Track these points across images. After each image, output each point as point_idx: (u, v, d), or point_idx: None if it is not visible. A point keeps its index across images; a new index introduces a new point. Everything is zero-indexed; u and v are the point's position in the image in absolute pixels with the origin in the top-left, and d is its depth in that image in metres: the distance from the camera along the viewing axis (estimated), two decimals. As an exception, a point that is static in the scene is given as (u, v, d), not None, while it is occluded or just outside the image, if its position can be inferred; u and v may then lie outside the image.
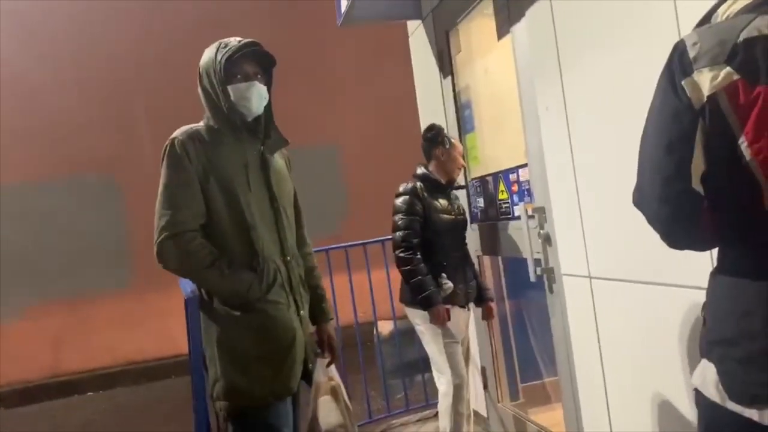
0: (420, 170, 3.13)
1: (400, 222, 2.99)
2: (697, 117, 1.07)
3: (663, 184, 1.12)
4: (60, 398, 6.37)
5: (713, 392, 1.11)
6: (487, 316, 3.28)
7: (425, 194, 3.04)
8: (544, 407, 3.43)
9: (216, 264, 1.96)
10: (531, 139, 2.68)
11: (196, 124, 2.07)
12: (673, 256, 1.56)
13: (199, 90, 2.10)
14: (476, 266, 3.30)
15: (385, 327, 4.46)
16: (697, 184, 1.08)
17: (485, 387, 3.57)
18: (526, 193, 2.87)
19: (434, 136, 3.14)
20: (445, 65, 3.59)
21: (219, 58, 2.01)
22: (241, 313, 1.98)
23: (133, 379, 6.71)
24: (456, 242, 3.12)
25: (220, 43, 2.06)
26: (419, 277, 2.93)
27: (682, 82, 1.07)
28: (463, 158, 3.20)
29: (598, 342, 2.35)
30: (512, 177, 2.98)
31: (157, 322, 7.00)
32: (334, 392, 2.18)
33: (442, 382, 3.02)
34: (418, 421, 4.06)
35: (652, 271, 1.97)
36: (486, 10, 3.09)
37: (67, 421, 5.72)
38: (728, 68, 1.03)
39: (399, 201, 3.04)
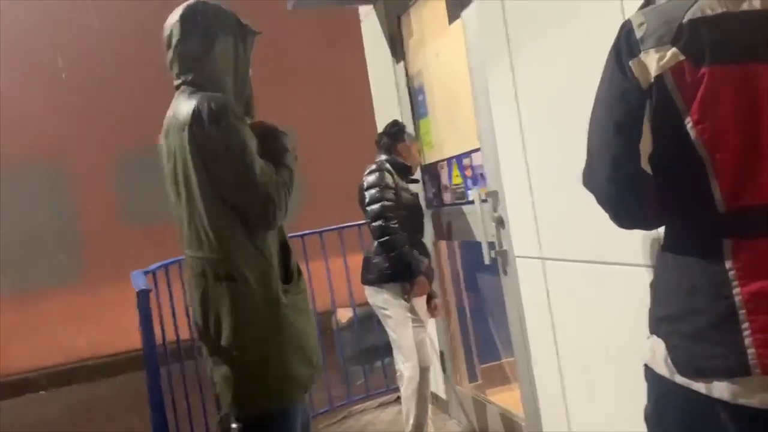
0: (383, 156, 3.16)
1: (376, 194, 2.99)
2: (644, 97, 1.08)
3: (612, 164, 1.13)
4: (10, 398, 6.17)
5: (662, 367, 1.14)
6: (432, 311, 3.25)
7: (396, 172, 3.09)
8: (503, 387, 3.50)
9: (282, 161, 1.88)
10: (483, 123, 2.70)
11: (208, 94, 1.81)
12: (622, 236, 1.60)
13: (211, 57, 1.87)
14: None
15: (344, 315, 4.46)
16: (645, 165, 1.10)
17: (444, 370, 3.61)
18: (479, 177, 2.89)
19: (398, 132, 3.19)
20: (398, 50, 3.58)
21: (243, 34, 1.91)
22: (291, 295, 1.86)
23: (87, 376, 6.53)
24: (419, 225, 3.18)
25: (238, 19, 1.92)
26: (404, 247, 2.95)
27: (630, 63, 1.09)
28: (420, 153, 3.30)
29: (552, 322, 2.40)
30: (465, 161, 3.00)
31: (109, 316, 6.82)
32: None
33: (408, 367, 3.03)
34: (378, 406, 4.08)
35: (602, 251, 2.02)
36: (437, -5, 3.09)
37: (18, 421, 5.56)
38: (674, 49, 1.05)
39: (371, 177, 3.04)
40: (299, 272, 1.96)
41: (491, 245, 2.72)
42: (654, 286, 1.21)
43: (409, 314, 3.01)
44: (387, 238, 2.95)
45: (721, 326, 1.05)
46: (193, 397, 3.30)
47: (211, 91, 1.81)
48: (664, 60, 1.05)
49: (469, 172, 2.99)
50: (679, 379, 1.10)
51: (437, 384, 3.63)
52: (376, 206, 2.97)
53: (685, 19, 1.05)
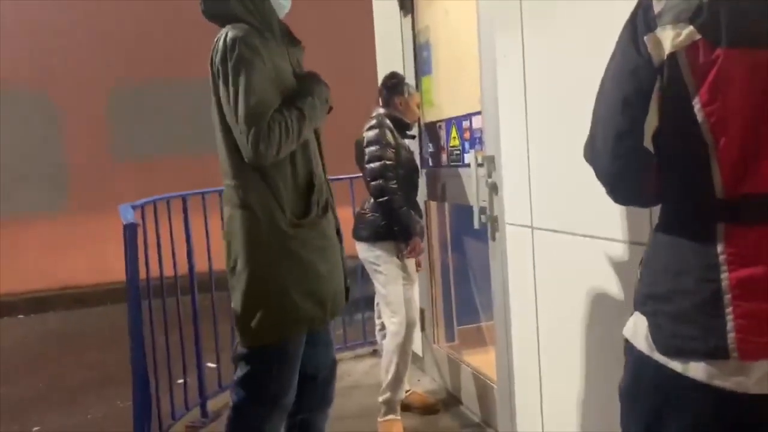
0: (382, 110, 3.09)
1: (377, 152, 2.94)
2: (655, 74, 1.06)
3: (615, 139, 1.12)
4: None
5: (642, 343, 1.15)
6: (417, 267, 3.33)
7: (395, 130, 3.04)
8: (478, 350, 3.55)
9: (301, 108, 1.88)
10: (487, 86, 2.67)
11: (240, 24, 1.87)
12: (613, 212, 1.59)
13: None
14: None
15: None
16: (648, 143, 1.09)
17: (422, 328, 3.65)
18: (477, 140, 2.87)
19: (395, 84, 3.12)
20: (406, 3, 3.51)
21: None
22: (303, 230, 1.90)
23: (65, 305, 6.58)
24: (415, 184, 3.17)
25: None
26: (402, 208, 2.95)
27: (645, 38, 1.06)
28: (419, 108, 3.21)
29: (535, 291, 2.42)
30: (465, 124, 2.97)
31: (92, 247, 6.83)
32: None
33: (394, 322, 3.06)
34: (354, 357, 4.14)
35: (592, 225, 2.02)
36: (451, -50, 3.01)
37: (-3, 342, 5.60)
38: (691, 27, 1.02)
39: (371, 133, 2.99)
40: (325, 210, 1.99)
41: (482, 210, 2.71)
42: (643, 264, 1.21)
43: (400, 272, 3.04)
44: (386, 198, 2.93)
45: (705, 309, 1.06)
46: (172, 335, 3.32)
47: (239, 21, 1.87)
48: (680, 38, 1.03)
49: (467, 135, 2.97)
50: (657, 357, 1.12)
51: (415, 341, 3.68)
52: (376, 164, 2.94)
53: None
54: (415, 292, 3.38)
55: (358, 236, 3.11)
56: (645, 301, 1.16)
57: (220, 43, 1.82)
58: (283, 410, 1.98)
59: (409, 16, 3.48)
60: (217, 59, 1.82)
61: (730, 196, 1.06)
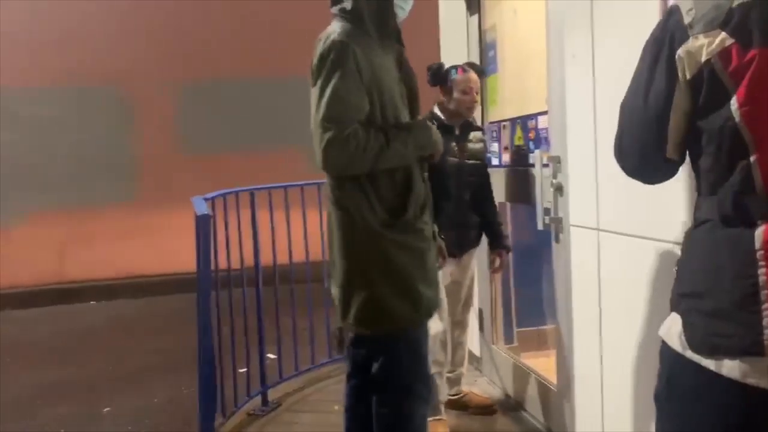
0: (430, 112, 3.01)
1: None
2: (685, 90, 1.12)
3: (641, 155, 1.24)
4: (62, 304, 6.52)
5: (676, 342, 1.16)
6: (491, 265, 3.20)
7: None
8: (538, 353, 3.52)
9: (389, 137, 1.88)
10: (554, 86, 2.64)
11: (346, 25, 1.90)
12: (682, 215, 1.56)
13: None
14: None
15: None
16: (672, 153, 1.19)
17: (480, 329, 3.64)
18: (543, 141, 2.85)
19: (432, 77, 2.99)
20: (473, 2, 3.50)
21: None
22: (401, 234, 1.94)
23: (132, 293, 6.84)
24: (459, 190, 2.98)
25: None
26: None
27: (679, 52, 1.11)
28: (476, 91, 2.97)
29: (599, 294, 2.38)
30: (530, 124, 2.95)
31: (160, 237, 7.09)
32: None
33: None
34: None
35: (659, 228, 1.98)
36: (521, -51, 3.00)
37: (68, 325, 5.88)
38: (723, 33, 1.05)
39: None
40: (422, 212, 2.01)
41: (546, 211, 2.70)
42: (680, 264, 1.21)
43: None
44: None
45: (742, 306, 1.05)
46: (236, 325, 3.41)
47: (349, 23, 1.91)
48: (714, 45, 1.06)
49: (532, 135, 2.95)
50: (690, 355, 1.12)
51: (472, 341, 3.68)
52: None
53: (735, 3, 1.05)
54: (473, 294, 3.35)
55: None
56: (680, 300, 1.17)
57: (321, 43, 1.86)
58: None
59: (476, 15, 3.48)
60: (316, 59, 1.86)
61: None
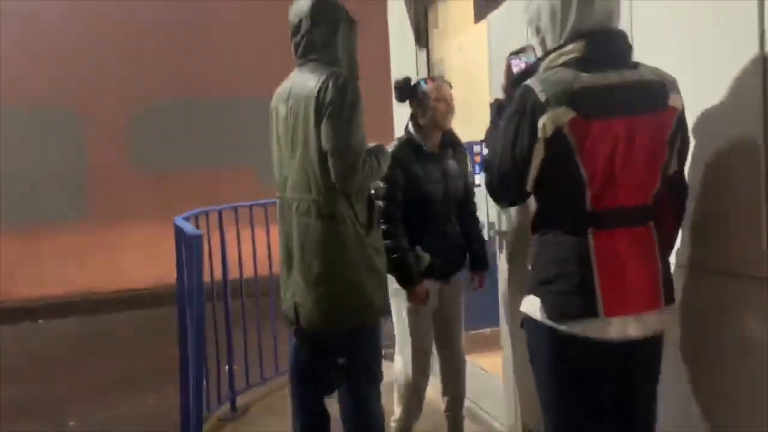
0: (405, 131, 2.82)
1: (379, 192, 2.65)
2: (535, 143, 1.60)
3: (508, 189, 1.72)
4: (13, 323, 6.46)
5: (538, 315, 1.67)
6: (470, 284, 3.00)
7: (405, 162, 2.70)
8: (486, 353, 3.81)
9: (378, 159, 2.34)
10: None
11: (339, 70, 2.27)
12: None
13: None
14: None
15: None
16: (529, 187, 1.67)
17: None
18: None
19: (399, 93, 2.82)
20: (422, 37, 3.87)
21: None
22: (371, 237, 2.32)
23: (83, 311, 6.81)
24: (445, 211, 2.81)
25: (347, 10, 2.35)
26: (398, 254, 2.64)
27: (541, 118, 1.57)
28: (447, 100, 2.79)
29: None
30: (476, 149, 3.32)
31: (107, 256, 7.12)
32: None
33: (397, 360, 2.84)
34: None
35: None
36: (465, -6, 3.37)
37: (21, 344, 5.86)
38: (569, 108, 1.55)
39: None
40: (379, 223, 2.45)
41: (491, 225, 3.06)
42: (534, 260, 1.71)
43: (405, 304, 2.74)
44: (386, 242, 2.55)
45: (582, 285, 1.60)
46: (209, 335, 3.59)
47: (333, 68, 2.27)
48: (564, 116, 1.55)
49: (477, 159, 3.32)
50: (548, 323, 1.64)
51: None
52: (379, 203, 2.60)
53: (575, 87, 1.56)
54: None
55: None
56: (537, 286, 1.69)
57: (331, 82, 2.19)
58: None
59: (425, 49, 3.83)
60: (328, 96, 2.18)
61: (595, 209, 1.61)
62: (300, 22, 2.30)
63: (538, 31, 1.70)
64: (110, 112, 7.15)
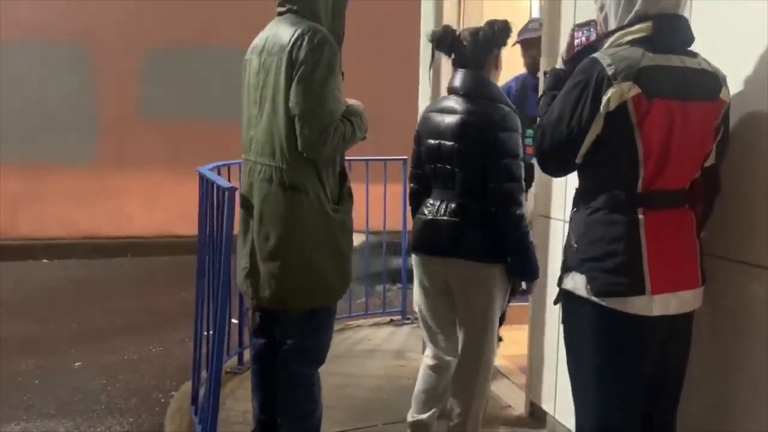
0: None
1: (516, 171, 2.24)
2: (596, 115, 1.60)
3: (560, 158, 1.74)
4: (15, 260, 6.44)
5: (583, 291, 1.70)
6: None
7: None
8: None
9: (353, 125, 2.12)
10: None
11: (318, 26, 2.05)
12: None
13: None
14: None
15: (358, 238, 4.77)
16: (579, 159, 1.69)
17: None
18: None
19: (495, 35, 2.36)
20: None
21: None
22: (339, 213, 2.14)
23: (86, 254, 6.80)
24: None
25: None
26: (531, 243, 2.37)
27: (607, 92, 1.58)
28: None
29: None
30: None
31: (115, 200, 7.06)
32: None
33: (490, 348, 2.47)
34: (372, 325, 4.47)
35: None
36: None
37: (23, 282, 5.84)
38: (634, 84, 1.57)
39: (506, 136, 2.24)
40: (350, 197, 2.24)
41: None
42: (577, 238, 1.73)
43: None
44: (528, 242, 2.29)
45: (631, 263, 1.63)
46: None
47: (311, 22, 2.06)
48: (629, 91, 1.57)
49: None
50: (595, 299, 1.67)
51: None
52: (518, 197, 2.25)
53: (642, 65, 1.57)
54: None
55: (476, 256, 2.33)
56: (582, 263, 1.71)
57: (306, 38, 1.97)
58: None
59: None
60: (301, 54, 1.97)
61: (646, 190, 1.65)
62: None
63: (602, 8, 1.72)
64: (124, 53, 6.99)
